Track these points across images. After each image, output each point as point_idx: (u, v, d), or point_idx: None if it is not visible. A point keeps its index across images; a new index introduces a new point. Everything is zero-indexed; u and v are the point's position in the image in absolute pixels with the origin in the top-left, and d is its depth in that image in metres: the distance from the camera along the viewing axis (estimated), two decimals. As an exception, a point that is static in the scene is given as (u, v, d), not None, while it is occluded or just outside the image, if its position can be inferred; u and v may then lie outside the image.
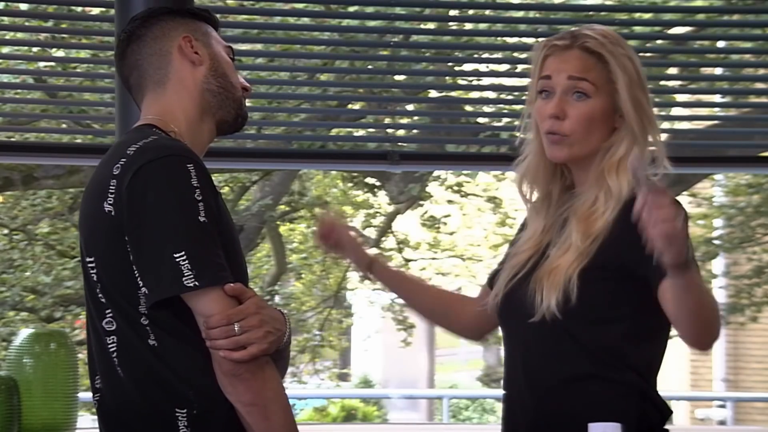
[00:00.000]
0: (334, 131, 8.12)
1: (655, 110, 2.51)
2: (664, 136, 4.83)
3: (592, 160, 2.45)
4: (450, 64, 6.97)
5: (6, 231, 10.65)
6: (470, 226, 13.21)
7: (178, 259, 2.16)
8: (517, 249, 2.53)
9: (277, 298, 12.44)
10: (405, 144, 5.61)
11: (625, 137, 2.43)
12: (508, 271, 2.49)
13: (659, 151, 2.46)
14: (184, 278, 2.16)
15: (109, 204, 2.24)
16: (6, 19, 4.65)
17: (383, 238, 12.49)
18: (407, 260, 12.81)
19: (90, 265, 2.30)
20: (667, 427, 2.43)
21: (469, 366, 21.76)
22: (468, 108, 6.53)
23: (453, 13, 6.73)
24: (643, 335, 2.37)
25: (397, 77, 4.92)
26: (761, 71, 5.05)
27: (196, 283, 2.16)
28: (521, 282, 2.44)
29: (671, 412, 2.43)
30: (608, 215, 2.38)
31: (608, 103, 2.44)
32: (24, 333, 3.15)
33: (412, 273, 2.85)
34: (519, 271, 2.46)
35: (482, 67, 5.91)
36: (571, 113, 2.44)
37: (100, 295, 2.28)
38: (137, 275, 2.22)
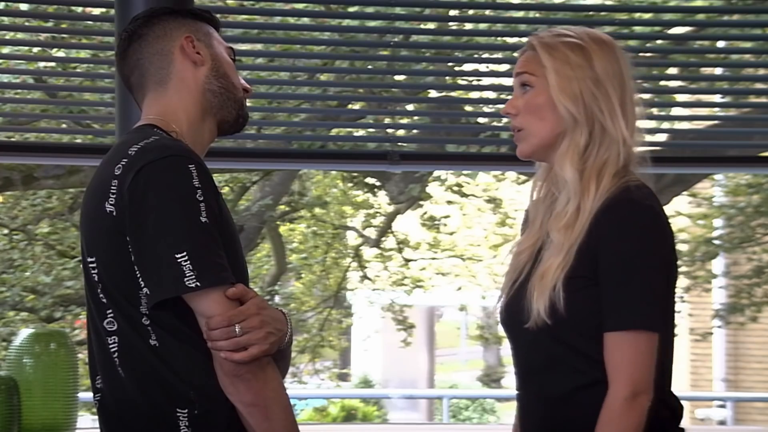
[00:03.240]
0: (334, 131, 8.12)
1: (655, 110, 2.50)
2: (663, 137, 4.84)
3: (556, 150, 2.45)
4: (450, 64, 6.96)
5: (6, 231, 10.64)
6: (470, 226, 13.21)
7: (179, 260, 2.16)
8: (518, 248, 2.52)
9: (277, 298, 12.44)
10: (405, 144, 5.60)
11: (567, 127, 2.42)
12: (509, 276, 2.49)
13: (631, 148, 2.43)
14: (185, 279, 2.16)
15: (111, 204, 2.24)
16: (6, 19, 4.65)
17: (383, 238, 12.48)
18: (407, 260, 12.81)
19: (91, 265, 2.30)
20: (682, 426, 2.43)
21: (469, 366, 21.78)
22: (468, 108, 6.54)
23: (453, 13, 6.73)
24: None
25: (397, 77, 4.92)
26: (761, 71, 5.05)
27: (198, 283, 2.16)
28: (520, 288, 2.44)
29: (681, 406, 2.43)
30: (584, 220, 2.38)
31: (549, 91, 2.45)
32: (24, 333, 3.15)
33: None
34: (518, 277, 2.46)
35: (482, 67, 5.91)
36: (519, 106, 2.48)
37: (101, 295, 2.28)
38: (138, 275, 2.22)
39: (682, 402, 2.44)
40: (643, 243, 2.33)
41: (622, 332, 2.30)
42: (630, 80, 2.46)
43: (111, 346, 2.27)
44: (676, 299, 2.45)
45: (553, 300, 2.34)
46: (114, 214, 2.24)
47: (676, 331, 2.43)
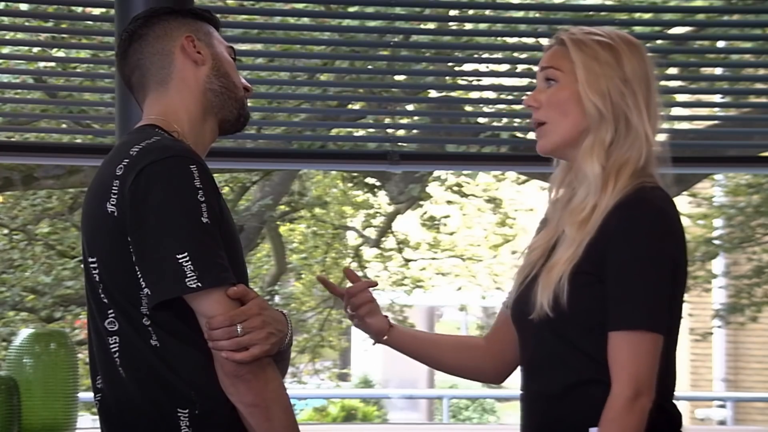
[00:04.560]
0: (334, 131, 8.12)
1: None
2: (663, 137, 4.84)
3: (578, 148, 2.45)
4: (450, 64, 6.96)
5: (6, 231, 10.65)
6: (470, 227, 13.20)
7: (180, 260, 2.16)
8: (532, 245, 2.52)
9: (277, 298, 12.44)
10: (405, 144, 5.60)
11: (593, 123, 2.42)
12: (521, 271, 2.50)
13: (652, 149, 2.44)
14: (186, 279, 2.16)
15: (112, 204, 2.24)
16: (6, 19, 4.65)
17: (383, 238, 12.48)
18: (407, 260, 12.81)
19: (92, 265, 2.29)
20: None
21: (469, 366, 21.73)
22: (468, 108, 6.53)
23: (453, 13, 6.73)
24: None
25: (397, 77, 4.92)
26: (761, 71, 5.05)
27: (199, 284, 2.16)
28: (530, 283, 2.44)
29: (680, 414, 2.42)
30: (599, 217, 2.38)
31: (577, 87, 2.45)
32: (24, 333, 3.15)
33: (423, 332, 2.80)
34: (530, 272, 2.46)
35: (482, 67, 5.91)
36: (542, 100, 2.48)
37: (102, 296, 2.28)
38: (139, 276, 2.22)
39: (683, 402, 2.44)
40: (650, 243, 2.32)
41: (626, 332, 2.30)
42: (655, 83, 2.47)
43: (112, 346, 2.27)
44: (683, 304, 2.44)
45: (557, 293, 2.34)
46: (115, 214, 2.24)
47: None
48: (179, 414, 2.23)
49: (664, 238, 2.35)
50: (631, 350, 2.29)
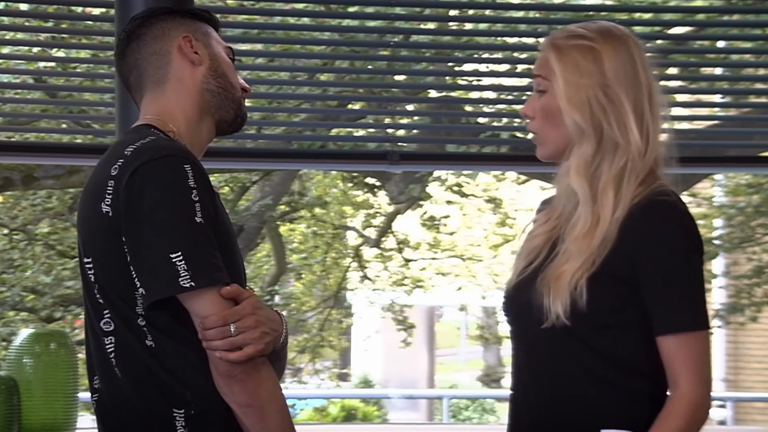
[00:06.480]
0: (334, 131, 8.13)
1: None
2: (663, 137, 4.84)
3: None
4: (450, 64, 6.96)
5: (6, 231, 10.65)
6: (470, 226, 13.21)
7: (174, 260, 2.16)
8: (534, 232, 2.49)
9: (277, 298, 12.44)
10: (405, 144, 5.60)
11: (575, 138, 2.38)
12: (523, 257, 2.46)
13: (649, 155, 2.39)
14: (180, 278, 2.16)
15: (107, 204, 2.24)
16: (6, 19, 4.65)
17: (383, 238, 12.49)
18: (407, 260, 12.81)
19: (88, 265, 2.29)
20: None
21: (469, 366, 21.79)
22: (468, 108, 6.53)
23: (453, 13, 6.73)
24: (653, 340, 2.34)
25: (397, 77, 4.92)
26: (761, 71, 5.04)
27: (192, 283, 2.16)
28: (529, 281, 2.40)
29: None
30: (605, 229, 2.35)
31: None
32: (24, 333, 3.15)
33: None
34: (533, 260, 2.42)
35: (482, 67, 5.91)
36: (536, 109, 2.44)
37: (97, 296, 2.28)
38: (134, 276, 2.22)
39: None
40: (689, 245, 2.33)
41: (685, 334, 2.34)
42: (647, 77, 2.40)
43: (108, 346, 2.27)
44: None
45: (575, 298, 2.31)
46: (110, 214, 2.24)
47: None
48: (175, 414, 2.23)
49: (695, 239, 2.36)
50: (695, 351, 2.36)
